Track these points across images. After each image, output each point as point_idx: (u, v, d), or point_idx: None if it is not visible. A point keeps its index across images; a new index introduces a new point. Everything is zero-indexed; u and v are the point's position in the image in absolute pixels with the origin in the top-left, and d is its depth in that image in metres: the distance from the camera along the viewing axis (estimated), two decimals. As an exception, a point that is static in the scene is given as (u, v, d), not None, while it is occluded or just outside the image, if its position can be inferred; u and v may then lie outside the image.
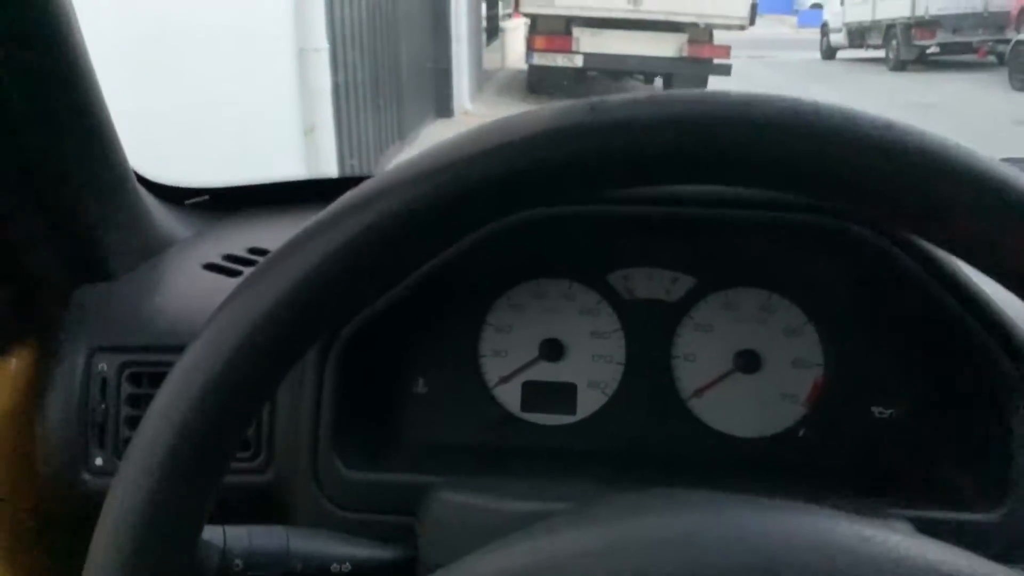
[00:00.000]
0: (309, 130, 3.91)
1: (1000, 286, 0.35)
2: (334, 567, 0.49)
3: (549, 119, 0.35)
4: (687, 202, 0.64)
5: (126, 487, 0.32)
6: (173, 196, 0.83)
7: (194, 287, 0.70)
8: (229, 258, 0.74)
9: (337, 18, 4.33)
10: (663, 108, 0.34)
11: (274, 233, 0.79)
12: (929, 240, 0.37)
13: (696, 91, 0.35)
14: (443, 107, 7.44)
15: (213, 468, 0.34)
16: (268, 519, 0.54)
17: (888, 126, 0.34)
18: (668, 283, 0.71)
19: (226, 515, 0.52)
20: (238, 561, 0.46)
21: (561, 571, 0.30)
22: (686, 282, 0.70)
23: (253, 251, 0.75)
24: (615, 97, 0.35)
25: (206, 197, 0.87)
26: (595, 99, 0.36)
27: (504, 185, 0.35)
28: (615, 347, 0.70)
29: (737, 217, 0.64)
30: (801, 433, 0.68)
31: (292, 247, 0.35)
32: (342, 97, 4.44)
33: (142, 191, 0.74)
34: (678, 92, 0.35)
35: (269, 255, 0.36)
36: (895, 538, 0.32)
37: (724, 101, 0.34)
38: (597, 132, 0.34)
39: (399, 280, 0.37)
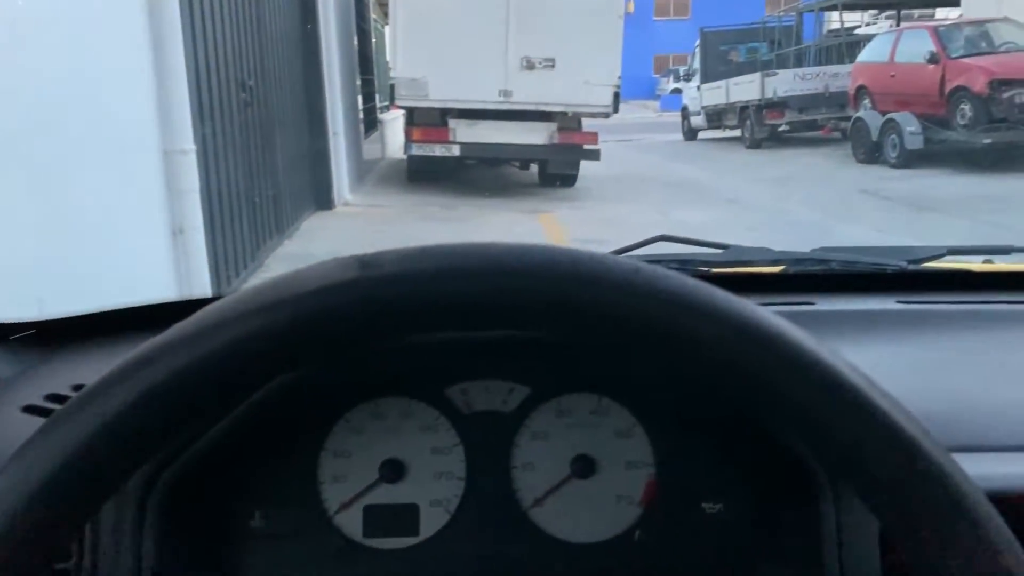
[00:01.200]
0: (178, 232, 3.82)
1: None
2: None
3: (322, 276, 0.36)
4: None
5: None
6: (-5, 332, 0.80)
7: (11, 432, 0.67)
8: (52, 398, 0.71)
9: (206, 118, 4.29)
10: (428, 263, 0.36)
11: (103, 367, 0.76)
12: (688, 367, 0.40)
13: (463, 245, 0.37)
14: (323, 199, 7.42)
15: None
16: None
17: (635, 270, 0.37)
18: (504, 394, 0.72)
19: None
20: None
21: None
22: (521, 392, 0.72)
23: (77, 389, 0.72)
24: (388, 252, 0.37)
25: (32, 331, 0.83)
26: (368, 254, 0.37)
27: (282, 341, 0.36)
28: (455, 462, 0.71)
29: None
30: (637, 535, 0.70)
31: (83, 400, 0.35)
32: (213, 196, 4.36)
33: (-47, 332, 0.71)
34: (447, 246, 0.37)
35: (52, 414, 0.35)
36: None
37: (481, 253, 0.36)
38: (366, 286, 0.35)
39: (197, 429, 0.37)
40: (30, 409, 0.69)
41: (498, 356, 0.72)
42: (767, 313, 0.36)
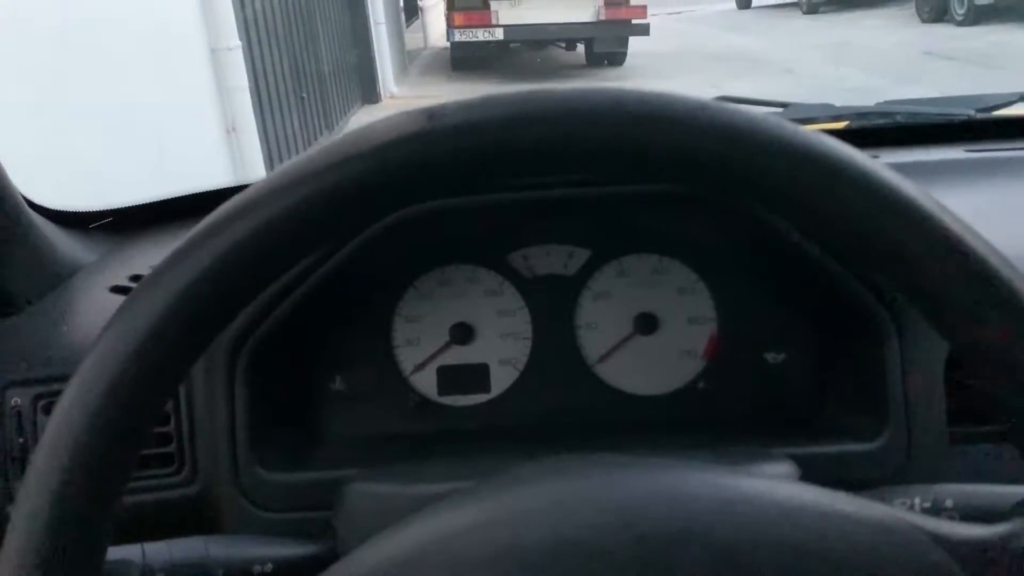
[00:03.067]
0: (231, 130, 3.85)
1: None
2: (256, 569, 0.51)
3: (390, 130, 0.37)
4: (570, 182, 0.67)
5: (24, 513, 0.33)
6: (75, 221, 0.83)
7: (102, 311, 0.71)
8: (135, 278, 0.74)
9: (248, 14, 4.25)
10: (495, 110, 0.36)
11: None
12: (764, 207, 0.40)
13: (528, 90, 0.38)
14: (369, 92, 7.35)
15: (110, 485, 0.35)
16: (198, 531, 0.55)
17: (703, 107, 0.37)
18: (565, 258, 0.74)
19: (157, 530, 0.53)
20: (159, 575, 0.48)
21: (439, 553, 0.32)
22: (582, 255, 0.73)
23: None
24: (453, 103, 0.38)
25: (110, 219, 0.87)
26: (435, 105, 0.38)
27: (356, 193, 0.37)
28: (522, 324, 0.73)
29: (620, 193, 0.67)
30: (700, 385, 0.72)
31: (171, 262, 0.37)
32: (263, 93, 4.37)
33: (38, 220, 0.74)
34: (511, 93, 0.38)
35: (155, 267, 0.37)
36: (747, 483, 0.35)
37: (547, 98, 0.36)
38: (435, 137, 0.36)
39: (273, 280, 0.38)
40: (118, 289, 0.73)
41: (558, 221, 0.73)
42: (835, 141, 0.36)
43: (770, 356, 0.72)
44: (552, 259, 0.74)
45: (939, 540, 0.34)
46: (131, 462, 0.36)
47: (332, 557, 0.56)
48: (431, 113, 0.37)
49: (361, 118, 6.87)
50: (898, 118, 0.99)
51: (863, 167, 0.35)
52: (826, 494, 0.35)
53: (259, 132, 4.06)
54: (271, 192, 0.37)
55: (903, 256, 0.36)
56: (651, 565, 0.32)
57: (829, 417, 0.67)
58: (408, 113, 0.38)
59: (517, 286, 0.73)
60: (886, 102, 1.06)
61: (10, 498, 0.64)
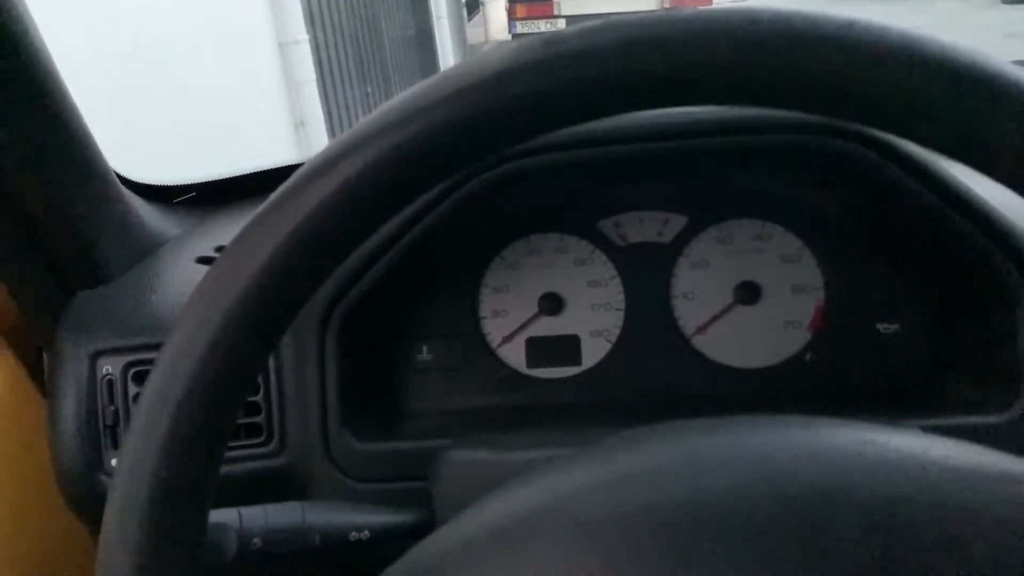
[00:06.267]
0: (299, 124, 3.90)
1: (1002, 189, 0.34)
2: (352, 536, 0.50)
3: (506, 58, 0.34)
4: (669, 135, 0.63)
5: (126, 476, 0.32)
6: (161, 195, 0.83)
7: (189, 281, 0.71)
8: (220, 249, 0.74)
9: (314, 7, 4.30)
10: (616, 34, 0.34)
11: None
12: (915, 140, 0.36)
13: (647, 13, 0.35)
14: (431, 87, 7.37)
15: (211, 446, 0.33)
16: (288, 501, 0.54)
17: (850, 24, 0.33)
18: (660, 224, 0.70)
19: (247, 501, 0.52)
20: (256, 540, 0.46)
21: (566, 508, 0.30)
22: (678, 221, 0.70)
23: None
24: (571, 28, 0.35)
25: (193, 193, 0.87)
26: (549, 33, 0.35)
27: (470, 130, 0.35)
28: (614, 294, 0.70)
29: (721, 147, 0.63)
30: (808, 357, 0.68)
31: (262, 217, 0.35)
32: (328, 87, 4.42)
33: (127, 194, 0.74)
34: (629, 18, 0.35)
35: (247, 222, 0.35)
36: (897, 439, 0.31)
37: (671, 20, 0.33)
38: (552, 65, 0.33)
39: (373, 231, 0.36)
40: (204, 260, 0.73)
41: (651, 185, 0.70)
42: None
43: (882, 326, 0.67)
44: (645, 226, 0.70)
45: None
46: (229, 425, 0.34)
47: (429, 525, 0.54)
48: (548, 40, 0.34)
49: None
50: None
51: None
52: (987, 452, 0.32)
53: (326, 126, 4.10)
54: (380, 129, 0.35)
55: None
56: (799, 527, 0.28)
57: (949, 389, 0.63)
58: (523, 42, 0.35)
59: (608, 255, 0.70)
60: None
61: (101, 466, 0.64)
